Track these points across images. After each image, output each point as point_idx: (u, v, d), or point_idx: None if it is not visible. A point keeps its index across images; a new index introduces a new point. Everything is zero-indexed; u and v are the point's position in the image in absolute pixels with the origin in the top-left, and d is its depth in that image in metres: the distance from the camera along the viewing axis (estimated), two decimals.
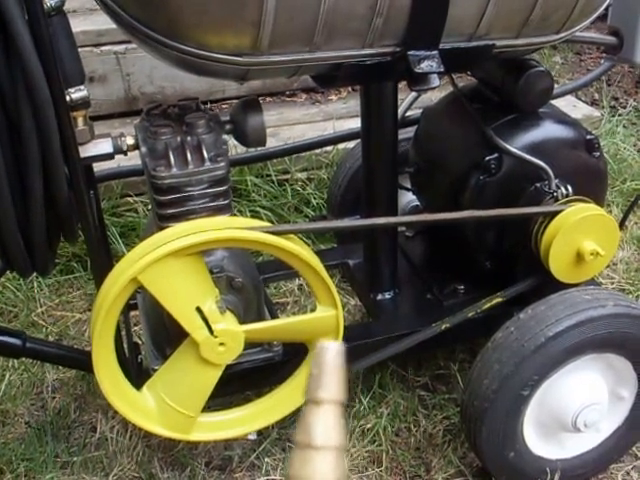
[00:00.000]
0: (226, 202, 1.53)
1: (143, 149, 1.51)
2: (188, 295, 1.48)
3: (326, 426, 1.10)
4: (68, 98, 1.36)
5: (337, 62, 1.48)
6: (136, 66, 2.90)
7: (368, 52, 1.48)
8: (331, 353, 1.11)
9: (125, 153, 1.53)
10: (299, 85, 3.14)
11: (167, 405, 1.56)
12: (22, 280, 2.37)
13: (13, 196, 1.33)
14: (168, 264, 1.42)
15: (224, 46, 1.37)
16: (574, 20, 1.61)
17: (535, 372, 1.59)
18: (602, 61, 2.08)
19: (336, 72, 1.51)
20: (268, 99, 3.11)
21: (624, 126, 3.07)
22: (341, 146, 2.57)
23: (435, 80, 1.51)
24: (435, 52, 1.50)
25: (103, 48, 2.86)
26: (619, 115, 3.15)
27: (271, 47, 1.39)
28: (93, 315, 1.48)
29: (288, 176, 2.64)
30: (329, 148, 2.61)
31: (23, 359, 2.06)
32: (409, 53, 1.49)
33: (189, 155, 1.48)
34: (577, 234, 1.69)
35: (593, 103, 3.37)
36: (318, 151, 2.58)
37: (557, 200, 1.72)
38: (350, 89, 3.19)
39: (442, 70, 1.49)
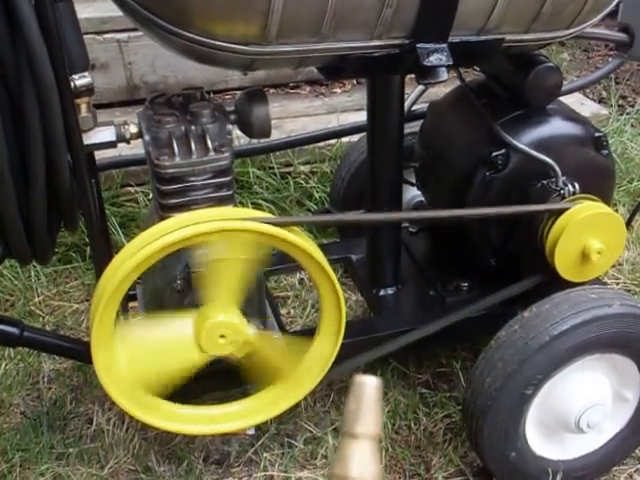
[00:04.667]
0: (229, 193, 1.51)
1: (146, 138, 1.49)
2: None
3: (362, 459, 1.14)
4: (72, 84, 1.34)
5: (345, 53, 1.46)
6: (138, 55, 2.88)
7: (376, 44, 1.46)
8: (369, 388, 1.14)
9: (128, 141, 1.51)
10: (303, 77, 3.12)
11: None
12: (20, 269, 2.35)
13: (15, 182, 1.31)
14: None
15: (231, 35, 1.35)
16: (585, 15, 1.59)
17: (539, 371, 1.57)
18: (610, 59, 2.06)
19: (343, 64, 1.49)
20: (272, 91, 3.09)
21: (632, 125, 3.05)
22: (345, 139, 2.55)
23: (443, 73, 1.49)
24: (444, 45, 1.48)
25: (106, 36, 2.84)
26: (627, 114, 3.12)
27: (278, 37, 1.37)
28: (93, 305, 1.45)
29: (291, 169, 2.62)
30: (333, 141, 2.59)
31: (19, 349, 2.05)
32: (418, 46, 1.47)
33: (193, 144, 1.46)
34: (584, 232, 1.67)
35: (601, 101, 3.35)
36: (321, 144, 2.57)
37: (564, 198, 1.70)
38: (355, 82, 3.17)
39: (451, 63, 1.47)
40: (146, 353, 1.52)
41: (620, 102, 3.35)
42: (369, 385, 1.15)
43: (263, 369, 1.57)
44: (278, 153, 2.56)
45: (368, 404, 1.14)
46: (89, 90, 1.40)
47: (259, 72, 2.97)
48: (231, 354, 1.52)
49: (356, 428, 1.14)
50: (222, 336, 1.49)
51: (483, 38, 1.53)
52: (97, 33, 2.82)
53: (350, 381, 1.20)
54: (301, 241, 1.46)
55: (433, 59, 1.46)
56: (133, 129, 1.51)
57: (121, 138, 1.50)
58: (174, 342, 1.52)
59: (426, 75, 1.49)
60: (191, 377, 1.51)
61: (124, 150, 1.84)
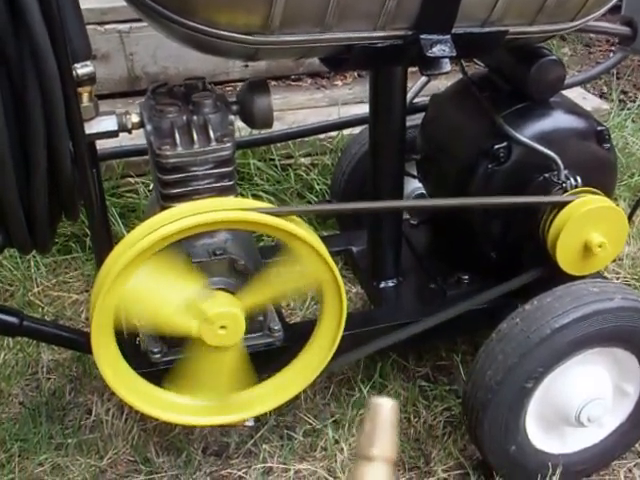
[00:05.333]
0: (231, 183, 1.51)
1: (148, 127, 1.49)
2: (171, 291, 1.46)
3: None
4: (74, 73, 1.33)
5: (348, 44, 1.45)
6: (140, 45, 2.86)
7: (380, 35, 1.45)
8: (385, 410, 1.11)
9: (129, 131, 1.51)
10: (304, 69, 3.10)
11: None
12: (19, 259, 2.34)
13: (16, 171, 1.30)
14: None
15: (234, 24, 1.35)
16: (589, 8, 1.59)
17: (540, 364, 1.57)
18: (611, 54, 2.05)
19: (346, 55, 1.48)
20: (273, 83, 3.07)
21: (633, 120, 3.04)
22: (346, 132, 2.54)
23: (447, 65, 1.49)
24: (447, 36, 1.47)
25: (107, 26, 2.81)
26: (628, 109, 3.12)
27: (282, 26, 1.36)
28: (93, 295, 1.45)
29: (292, 161, 2.61)
30: (333, 134, 2.58)
31: (18, 339, 2.05)
32: (421, 37, 1.46)
33: (195, 134, 1.46)
34: (585, 226, 1.67)
35: (602, 96, 3.34)
36: (322, 136, 2.56)
37: (566, 191, 1.69)
38: (356, 75, 3.16)
39: (454, 55, 1.47)
40: (204, 385, 1.55)
41: (621, 97, 3.34)
42: (385, 407, 1.12)
43: None
44: (279, 145, 2.55)
45: (384, 426, 1.11)
46: (91, 79, 1.39)
47: (260, 64, 2.96)
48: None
49: (371, 450, 1.11)
50: (222, 327, 1.49)
51: (487, 30, 1.52)
52: (98, 23, 2.80)
53: (366, 402, 1.18)
54: (303, 232, 1.46)
55: (436, 50, 1.46)
56: (135, 119, 1.50)
57: (123, 128, 1.49)
58: (208, 362, 1.52)
59: (429, 66, 1.48)
60: None
61: (124, 141, 1.83)
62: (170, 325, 1.48)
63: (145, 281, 1.43)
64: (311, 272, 1.52)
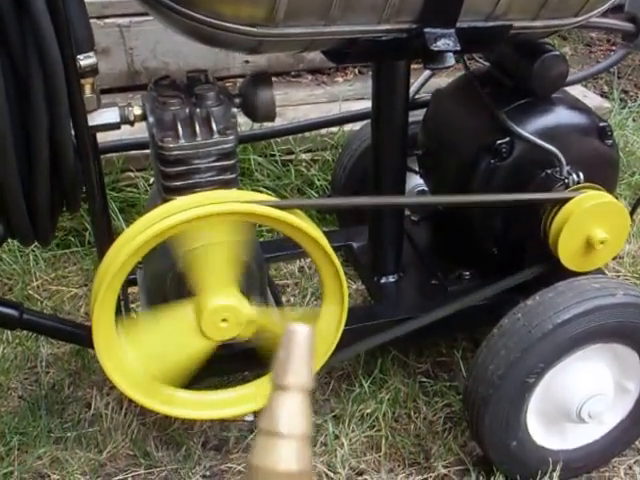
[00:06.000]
0: (233, 176, 1.50)
1: (150, 119, 1.48)
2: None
3: (292, 413, 1.07)
4: (77, 64, 1.33)
5: (352, 37, 1.44)
6: (140, 40, 2.86)
7: (384, 28, 1.45)
8: (301, 336, 1.07)
9: (132, 123, 1.50)
10: (305, 66, 3.10)
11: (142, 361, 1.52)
12: (18, 253, 2.34)
13: (19, 161, 1.30)
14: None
15: (238, 16, 1.34)
16: (593, 3, 1.59)
17: (541, 359, 1.57)
18: (612, 53, 2.05)
19: (350, 48, 1.48)
20: (273, 79, 3.06)
21: (633, 119, 3.04)
22: (347, 128, 2.54)
23: (451, 59, 1.48)
24: (452, 30, 1.47)
25: (107, 20, 2.80)
26: (629, 108, 3.12)
27: (286, 18, 1.36)
28: (94, 287, 1.44)
29: (292, 157, 2.61)
30: (334, 129, 2.58)
31: (17, 332, 2.04)
32: (425, 30, 1.45)
33: (197, 127, 1.45)
34: (587, 222, 1.66)
35: (602, 95, 3.34)
36: (323, 132, 2.56)
37: (568, 187, 1.69)
38: (357, 72, 3.16)
39: (458, 49, 1.46)
40: (154, 348, 1.51)
41: (622, 96, 3.33)
42: (301, 333, 1.06)
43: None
44: (279, 140, 2.55)
45: (299, 354, 1.05)
46: (94, 71, 1.39)
47: (261, 60, 2.96)
48: (238, 336, 1.51)
49: (285, 379, 1.05)
50: (224, 320, 1.48)
51: (491, 24, 1.52)
52: (98, 18, 2.78)
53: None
54: (305, 225, 1.46)
55: (440, 44, 1.45)
56: (137, 111, 1.49)
57: (125, 120, 1.48)
58: (179, 333, 1.51)
59: (433, 60, 1.48)
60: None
61: (124, 135, 1.82)
62: (206, 276, 1.48)
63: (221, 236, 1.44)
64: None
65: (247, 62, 2.98)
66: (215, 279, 1.47)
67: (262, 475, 1.07)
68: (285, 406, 1.06)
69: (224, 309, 1.47)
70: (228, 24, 1.35)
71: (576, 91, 2.85)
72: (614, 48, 3.87)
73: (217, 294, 1.48)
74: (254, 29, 1.36)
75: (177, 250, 1.47)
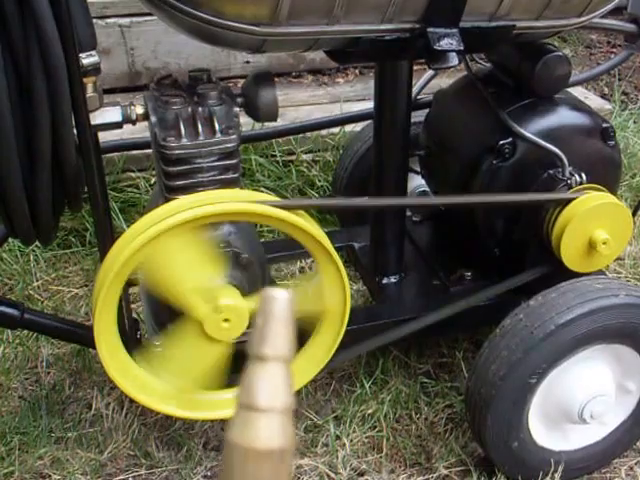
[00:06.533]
0: (235, 176, 1.50)
1: (153, 119, 1.48)
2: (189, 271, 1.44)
3: (271, 385, 0.99)
4: (79, 63, 1.33)
5: (355, 36, 1.44)
6: (140, 40, 2.86)
7: (387, 27, 1.45)
8: (279, 303, 0.99)
9: (134, 122, 1.49)
10: (305, 66, 3.11)
11: (171, 382, 1.53)
12: (19, 252, 2.34)
13: (21, 160, 1.29)
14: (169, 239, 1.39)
15: (242, 14, 1.34)
16: (596, 4, 1.59)
17: (544, 360, 1.57)
18: (612, 56, 2.05)
19: (353, 47, 1.48)
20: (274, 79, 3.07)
21: (634, 121, 3.04)
22: (348, 129, 2.54)
23: (454, 59, 1.48)
24: (455, 30, 1.47)
25: (108, 20, 2.81)
26: (630, 110, 3.12)
27: (290, 17, 1.36)
28: (96, 286, 1.44)
29: (293, 157, 2.61)
30: (335, 130, 2.58)
31: (18, 332, 2.04)
32: (429, 30, 1.46)
33: (200, 126, 1.45)
34: (590, 223, 1.66)
35: (602, 97, 3.34)
36: (324, 133, 2.56)
37: (570, 188, 1.69)
38: (357, 73, 3.16)
39: (462, 49, 1.46)
40: (178, 368, 1.51)
41: (622, 98, 3.34)
42: (279, 300, 0.98)
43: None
44: (281, 141, 2.55)
45: (278, 322, 0.98)
46: (96, 70, 1.38)
47: (261, 60, 2.97)
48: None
49: (264, 349, 0.98)
50: (226, 320, 1.48)
51: (494, 24, 1.52)
52: (99, 18, 2.78)
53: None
54: (309, 225, 1.45)
55: (444, 44, 1.45)
56: (139, 110, 1.49)
57: (127, 119, 1.48)
58: (194, 347, 1.50)
59: (436, 60, 1.48)
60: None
61: (125, 135, 1.83)
62: (181, 298, 1.45)
63: (175, 251, 1.41)
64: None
65: (248, 62, 2.98)
66: (197, 284, 1.45)
67: (240, 453, 1.01)
68: (264, 378, 0.99)
69: (221, 310, 1.46)
70: (232, 23, 1.35)
71: (577, 92, 2.84)
72: (614, 50, 3.88)
73: (209, 297, 1.46)
74: (257, 28, 1.36)
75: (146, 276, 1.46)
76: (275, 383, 1.00)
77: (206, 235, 1.46)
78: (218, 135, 1.45)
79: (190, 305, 1.45)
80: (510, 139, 1.71)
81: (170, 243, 1.40)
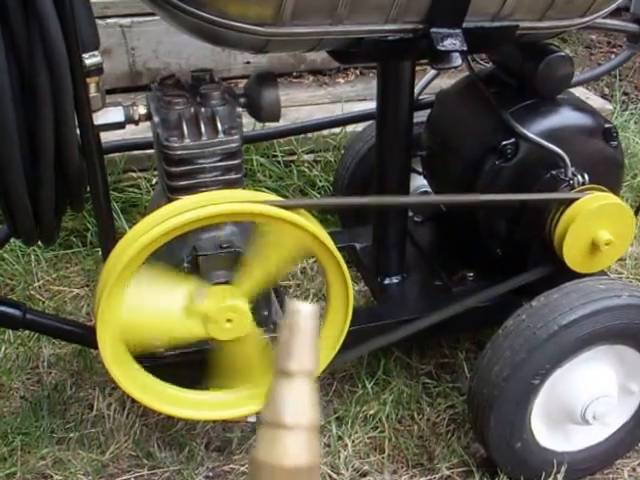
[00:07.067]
0: (238, 176, 1.50)
1: (155, 119, 1.48)
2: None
3: (298, 402, 0.98)
4: (82, 63, 1.33)
5: (359, 37, 1.44)
6: (141, 40, 2.85)
7: (391, 27, 1.45)
8: (304, 316, 0.97)
9: (137, 123, 1.50)
10: (306, 67, 3.10)
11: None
12: (20, 253, 2.33)
13: (24, 160, 1.29)
14: None
15: (245, 15, 1.34)
16: (599, 4, 1.58)
17: (547, 361, 1.57)
18: (612, 56, 2.05)
19: (356, 48, 1.48)
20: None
21: (635, 122, 3.04)
22: (349, 129, 2.53)
23: (457, 59, 1.47)
24: (458, 30, 1.47)
25: (109, 21, 2.80)
26: (630, 110, 3.12)
27: (293, 18, 1.35)
28: (99, 286, 1.44)
29: (294, 157, 2.61)
30: (337, 130, 2.58)
31: (19, 332, 2.04)
32: (432, 30, 1.45)
33: (203, 126, 1.45)
34: (593, 223, 1.66)
35: (603, 97, 3.34)
36: (325, 133, 2.56)
37: (573, 188, 1.69)
38: (358, 73, 3.16)
39: (465, 49, 1.46)
40: (148, 306, 1.47)
41: (623, 99, 3.34)
42: (304, 313, 0.96)
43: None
44: (282, 141, 2.54)
45: (303, 336, 0.96)
46: (99, 69, 1.38)
47: (262, 61, 2.96)
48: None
49: (290, 365, 0.96)
50: (229, 320, 1.47)
51: (497, 24, 1.52)
52: (100, 18, 2.77)
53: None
54: (312, 226, 1.45)
55: (447, 44, 1.45)
56: (142, 110, 1.49)
57: (130, 119, 1.48)
58: (179, 306, 1.47)
59: (440, 60, 1.47)
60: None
61: (126, 135, 1.83)
62: (180, 335, 1.48)
63: (138, 302, 1.42)
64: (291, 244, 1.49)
65: (248, 63, 2.98)
66: (251, 278, 1.47)
67: (267, 471, 1.00)
68: (290, 394, 0.98)
69: (233, 309, 1.46)
70: (235, 23, 1.34)
71: (578, 93, 2.84)
72: (614, 50, 3.88)
73: (240, 293, 1.47)
74: (261, 28, 1.36)
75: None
76: (301, 399, 0.99)
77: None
78: (221, 135, 1.45)
79: (190, 333, 1.47)
80: (512, 139, 1.71)
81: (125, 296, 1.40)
